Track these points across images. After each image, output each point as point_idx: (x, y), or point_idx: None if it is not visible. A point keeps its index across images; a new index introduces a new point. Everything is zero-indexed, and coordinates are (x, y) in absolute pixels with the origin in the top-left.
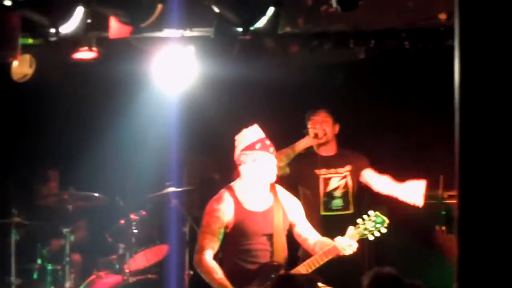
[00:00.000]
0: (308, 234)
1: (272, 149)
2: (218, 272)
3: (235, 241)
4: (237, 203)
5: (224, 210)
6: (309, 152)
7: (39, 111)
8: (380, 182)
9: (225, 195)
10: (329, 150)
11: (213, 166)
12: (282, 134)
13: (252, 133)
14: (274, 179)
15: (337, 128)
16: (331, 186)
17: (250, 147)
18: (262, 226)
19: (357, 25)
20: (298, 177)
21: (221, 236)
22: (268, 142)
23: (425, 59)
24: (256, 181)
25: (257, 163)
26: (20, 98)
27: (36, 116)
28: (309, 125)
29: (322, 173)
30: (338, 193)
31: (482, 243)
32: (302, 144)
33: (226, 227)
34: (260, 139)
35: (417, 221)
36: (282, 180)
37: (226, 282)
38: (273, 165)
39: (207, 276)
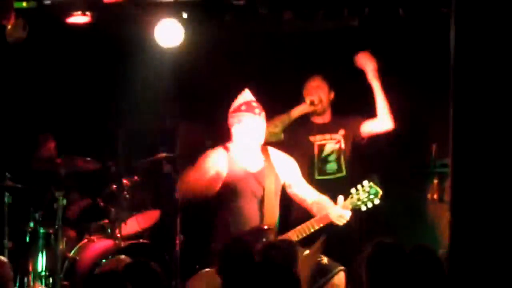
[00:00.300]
0: (305, 194)
1: (258, 110)
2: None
3: (227, 200)
4: (231, 160)
5: (218, 159)
6: (304, 119)
7: (31, 75)
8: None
9: (220, 149)
10: (324, 117)
11: (205, 133)
12: (276, 101)
13: (241, 96)
14: (261, 140)
15: (332, 95)
16: (325, 152)
17: (236, 109)
18: (253, 187)
19: None
20: (293, 144)
21: (207, 176)
22: (255, 104)
23: (419, 26)
24: (244, 142)
25: (243, 124)
26: (13, 62)
27: (28, 80)
28: (305, 92)
29: (317, 139)
30: (332, 157)
31: (474, 211)
32: (298, 111)
33: (218, 178)
34: (246, 101)
35: (408, 189)
36: (277, 146)
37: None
38: (260, 126)
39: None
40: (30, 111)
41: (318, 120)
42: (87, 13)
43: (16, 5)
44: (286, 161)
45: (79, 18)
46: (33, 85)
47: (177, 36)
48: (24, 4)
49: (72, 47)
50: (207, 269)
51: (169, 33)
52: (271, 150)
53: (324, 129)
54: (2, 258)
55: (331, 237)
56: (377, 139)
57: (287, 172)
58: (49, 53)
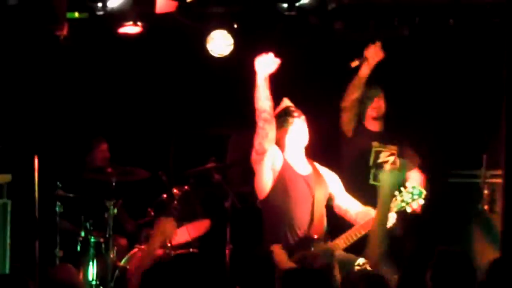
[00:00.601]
0: (349, 205)
1: (297, 113)
2: None
3: (278, 201)
4: (284, 160)
5: (275, 154)
6: (360, 126)
7: (85, 84)
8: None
9: (275, 147)
10: (379, 125)
11: None
12: (326, 110)
13: (282, 103)
14: (305, 142)
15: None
16: (380, 159)
17: (278, 114)
18: (304, 190)
19: (401, 1)
20: (350, 147)
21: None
22: (293, 108)
23: (470, 36)
24: (290, 145)
25: (286, 128)
26: (68, 71)
27: (81, 89)
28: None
29: (375, 145)
30: (386, 167)
31: None
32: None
33: (272, 173)
34: (286, 106)
35: (459, 200)
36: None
37: None
38: (301, 128)
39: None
40: (82, 121)
41: (373, 127)
42: (139, 23)
43: (69, 15)
44: (330, 173)
45: (130, 29)
46: (86, 94)
47: (228, 46)
48: (76, 14)
49: (123, 56)
50: None
51: (220, 43)
52: (314, 162)
53: (380, 137)
54: (69, 265)
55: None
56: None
57: (332, 183)
58: (101, 61)
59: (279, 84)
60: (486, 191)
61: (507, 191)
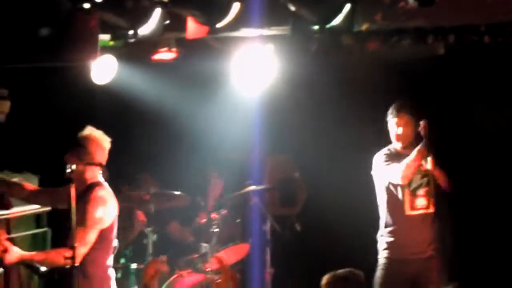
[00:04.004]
0: None
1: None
2: None
3: None
4: None
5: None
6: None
7: (117, 112)
8: None
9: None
10: (411, 148)
11: (292, 165)
12: (362, 131)
13: None
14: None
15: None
16: (414, 184)
17: None
18: None
19: (435, 20)
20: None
21: None
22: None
23: (505, 53)
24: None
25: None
26: (100, 100)
27: (114, 117)
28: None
29: None
30: (421, 191)
31: None
32: None
33: None
34: None
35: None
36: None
37: None
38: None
39: None
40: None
41: (404, 151)
42: (173, 49)
43: (103, 43)
44: None
45: (165, 55)
46: (119, 121)
47: (262, 68)
48: (111, 43)
49: (157, 83)
50: None
51: (252, 66)
52: None
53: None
54: None
55: None
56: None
57: None
58: (136, 88)
59: (316, 104)
60: None
61: None
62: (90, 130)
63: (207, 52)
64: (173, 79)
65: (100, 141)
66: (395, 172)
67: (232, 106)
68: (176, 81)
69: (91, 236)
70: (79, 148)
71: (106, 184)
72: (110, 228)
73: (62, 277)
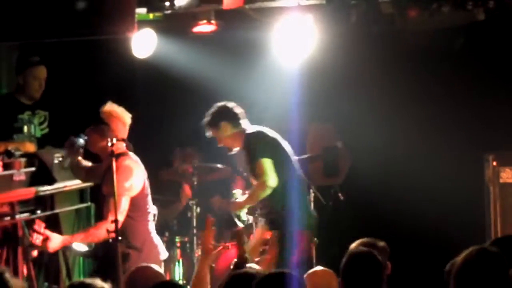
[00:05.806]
0: None
1: None
2: None
3: None
4: None
5: None
6: None
7: (158, 86)
8: None
9: None
10: None
11: (334, 134)
12: (403, 99)
13: None
14: None
15: None
16: None
17: None
18: None
19: None
20: None
21: None
22: None
23: None
24: None
25: None
26: (141, 74)
27: (155, 91)
28: None
29: None
30: None
31: None
32: None
33: None
34: None
35: None
36: None
37: None
38: None
39: None
40: (158, 122)
41: None
42: (212, 21)
43: (142, 17)
44: None
45: (205, 27)
46: (164, 96)
47: (301, 38)
48: (151, 16)
49: (197, 55)
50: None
51: (292, 36)
52: None
53: None
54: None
55: None
56: None
57: None
58: (175, 61)
59: (356, 73)
60: None
61: None
62: (111, 107)
63: (246, 24)
64: (213, 52)
65: (121, 117)
66: None
67: (273, 76)
68: (216, 53)
69: (124, 203)
70: (102, 126)
71: (131, 154)
72: (141, 196)
73: (107, 253)
